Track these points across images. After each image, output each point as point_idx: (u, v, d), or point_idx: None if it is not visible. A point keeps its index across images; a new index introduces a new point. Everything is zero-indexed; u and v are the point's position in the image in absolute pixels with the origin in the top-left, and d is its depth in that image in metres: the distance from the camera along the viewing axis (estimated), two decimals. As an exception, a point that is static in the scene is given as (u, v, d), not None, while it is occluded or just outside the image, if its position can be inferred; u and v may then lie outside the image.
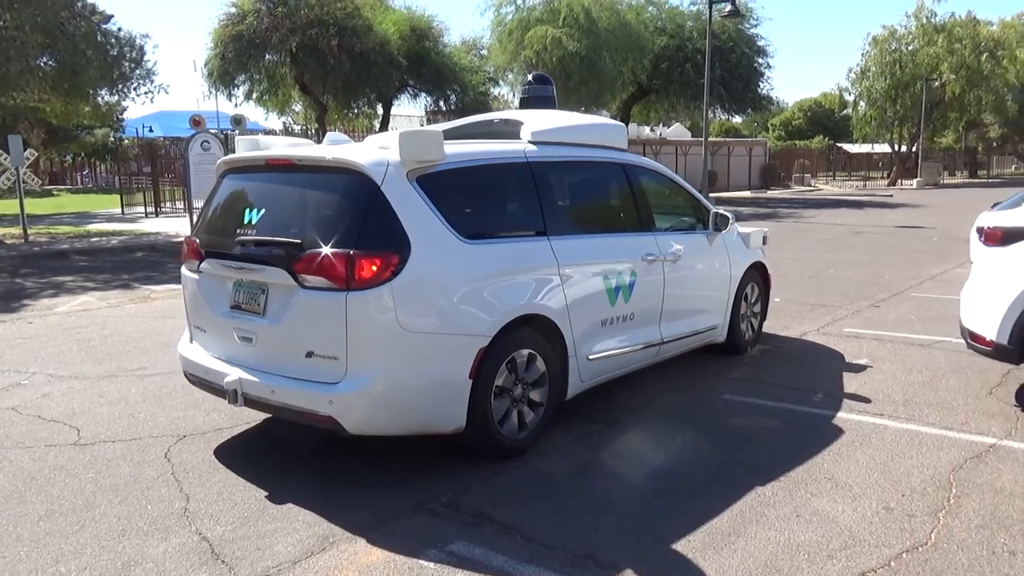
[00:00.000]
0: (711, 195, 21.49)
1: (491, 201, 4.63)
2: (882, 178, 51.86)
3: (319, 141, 5.65)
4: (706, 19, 23.17)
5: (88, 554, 3.30)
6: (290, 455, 4.45)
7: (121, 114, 38.37)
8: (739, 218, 6.60)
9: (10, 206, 21.73)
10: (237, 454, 4.43)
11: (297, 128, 35.06)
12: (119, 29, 21.60)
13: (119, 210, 23.96)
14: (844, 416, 4.92)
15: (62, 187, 48.38)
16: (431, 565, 3.18)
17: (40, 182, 21.11)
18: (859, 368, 6.03)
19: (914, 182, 42.55)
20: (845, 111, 52.81)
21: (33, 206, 22.48)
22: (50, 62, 19.56)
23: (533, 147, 4.82)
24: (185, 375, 4.66)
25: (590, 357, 4.77)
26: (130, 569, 3.17)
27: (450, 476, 4.03)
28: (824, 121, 66.42)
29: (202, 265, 4.44)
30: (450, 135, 4.54)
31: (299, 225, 4.06)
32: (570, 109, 9.76)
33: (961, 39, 40.59)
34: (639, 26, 28.01)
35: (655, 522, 3.53)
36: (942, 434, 4.59)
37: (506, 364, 4.17)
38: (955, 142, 55.22)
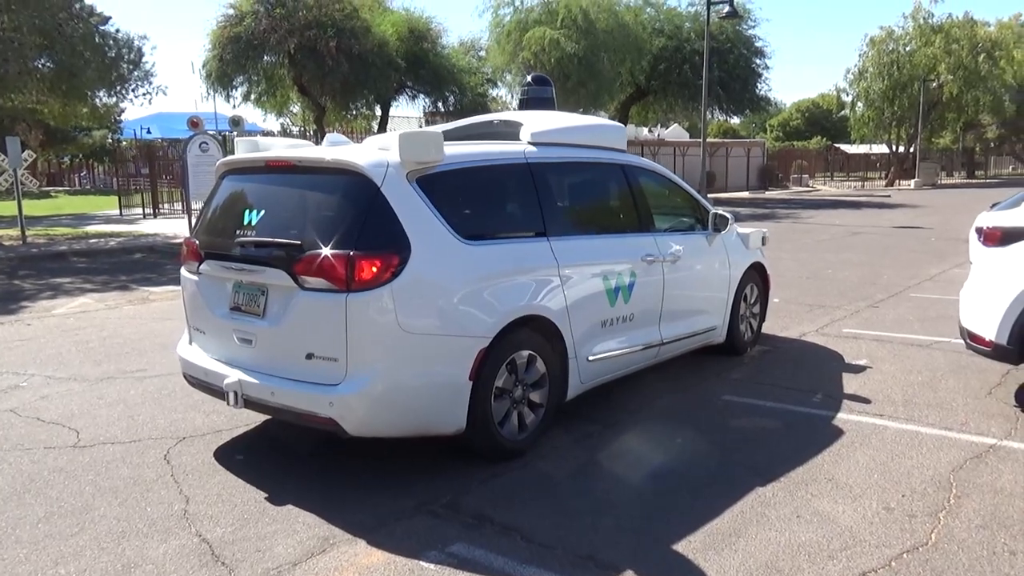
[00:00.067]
0: (709, 196, 21.46)
1: (491, 202, 4.63)
2: (880, 179, 51.94)
3: (317, 142, 5.65)
4: (704, 20, 23.19)
5: (87, 556, 3.29)
6: (290, 456, 4.44)
7: (119, 116, 38.36)
8: (737, 219, 6.61)
9: (8, 208, 21.73)
10: (237, 456, 4.42)
11: (295, 129, 35.09)
12: (117, 31, 21.66)
13: (117, 211, 23.93)
14: (844, 417, 4.93)
15: (60, 189, 48.33)
16: (431, 566, 3.18)
17: (38, 184, 21.05)
18: (858, 369, 6.04)
19: (912, 183, 42.62)
20: (843, 112, 52.84)
21: (31, 207, 22.45)
22: (48, 63, 19.56)
23: (533, 148, 4.82)
24: (184, 377, 4.65)
25: (590, 358, 4.77)
26: (130, 571, 3.16)
27: (450, 477, 4.02)
28: (822, 122, 66.48)
29: (201, 266, 4.43)
30: (450, 136, 4.54)
31: (299, 226, 4.05)
32: (568, 110, 9.77)
33: (958, 40, 40.64)
34: (637, 27, 28.04)
35: (655, 523, 3.53)
36: (942, 434, 4.59)
37: (506, 365, 4.17)
38: (953, 143, 55.28)
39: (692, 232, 5.98)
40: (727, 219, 6.08)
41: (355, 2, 24.39)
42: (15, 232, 16.81)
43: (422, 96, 28.59)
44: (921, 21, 42.42)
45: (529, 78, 7.37)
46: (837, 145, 61.11)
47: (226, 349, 4.27)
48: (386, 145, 4.12)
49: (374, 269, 3.70)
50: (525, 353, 4.28)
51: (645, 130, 41.24)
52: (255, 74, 25.29)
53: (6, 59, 16.74)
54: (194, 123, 16.83)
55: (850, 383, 5.65)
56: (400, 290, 3.73)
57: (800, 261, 12.44)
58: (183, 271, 4.67)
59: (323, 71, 23.28)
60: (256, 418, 4.83)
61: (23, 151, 16.52)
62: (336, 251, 3.72)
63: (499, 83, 30.01)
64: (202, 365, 4.35)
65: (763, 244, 6.79)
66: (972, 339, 5.16)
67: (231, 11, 23.81)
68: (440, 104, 28.63)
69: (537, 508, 3.69)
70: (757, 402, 5.25)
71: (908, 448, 4.38)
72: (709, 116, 29.78)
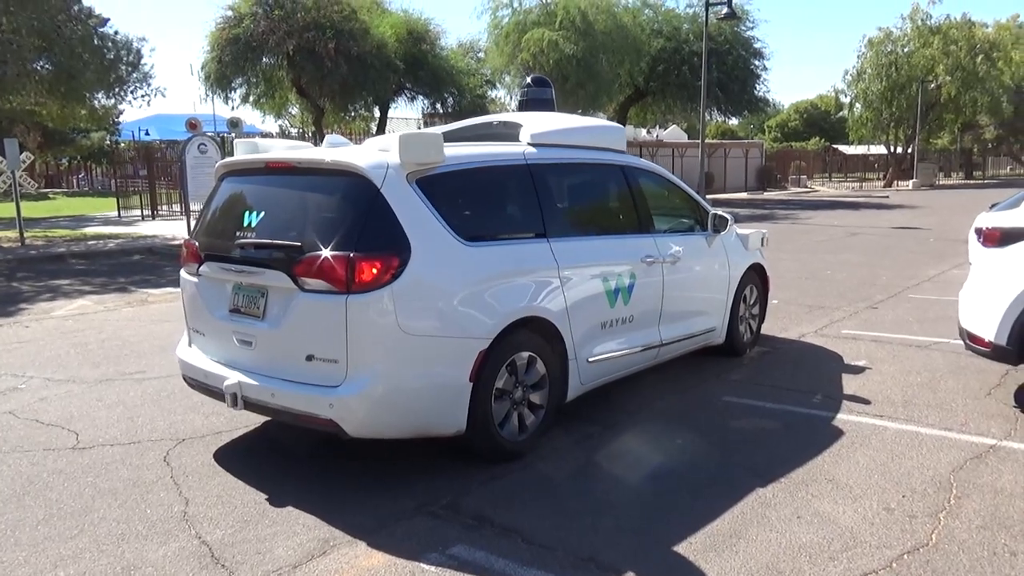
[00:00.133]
0: (707, 197, 21.46)
1: (491, 203, 4.63)
2: (878, 179, 51.94)
3: (316, 144, 5.64)
4: (702, 21, 23.23)
5: (87, 558, 3.29)
6: (289, 458, 4.44)
7: (117, 117, 38.30)
8: (736, 219, 6.61)
9: (6, 209, 21.70)
10: (236, 457, 4.42)
11: (294, 131, 35.12)
12: (116, 33, 21.61)
13: (116, 213, 23.89)
14: (843, 417, 4.93)
15: (58, 190, 48.25)
16: (432, 568, 3.17)
17: (36, 185, 21.00)
18: (858, 370, 6.04)
19: (910, 183, 42.64)
20: (841, 113, 52.84)
21: (29, 209, 22.39)
22: (47, 65, 19.54)
23: (532, 149, 4.82)
24: (184, 379, 4.64)
25: (590, 359, 4.77)
26: (129, 573, 3.16)
27: (450, 478, 4.02)
28: (820, 123, 66.56)
29: (201, 268, 4.43)
30: (449, 137, 4.53)
31: (299, 228, 4.05)
32: (567, 111, 9.77)
33: (956, 41, 40.68)
34: (635, 29, 28.07)
35: (655, 524, 3.53)
36: (942, 435, 4.59)
37: (506, 366, 4.16)
38: (951, 143, 55.33)
39: (691, 233, 5.98)
40: (726, 220, 6.08)
41: (354, 4, 24.40)
42: (13, 234, 16.80)
43: (421, 97, 28.63)
44: (919, 22, 42.46)
45: (528, 79, 7.37)
46: (835, 146, 61.15)
47: (226, 351, 4.27)
48: (386, 146, 4.11)
49: (374, 271, 3.70)
50: (525, 354, 4.28)
51: (644, 131, 41.26)
52: (254, 76, 25.30)
53: (5, 61, 16.73)
54: (193, 125, 16.83)
55: (849, 384, 5.65)
56: (400, 291, 3.73)
57: (799, 262, 12.45)
58: (182, 273, 4.67)
59: (322, 73, 23.29)
60: (256, 420, 4.82)
61: (21, 153, 16.50)
62: (336, 253, 3.72)
63: (498, 84, 30.06)
64: (202, 367, 4.35)
65: (763, 245, 6.79)
66: (971, 340, 5.16)
67: (230, 13, 23.82)
68: (439, 105, 28.65)
69: (537, 509, 3.68)
70: (757, 403, 5.25)
71: (908, 449, 4.39)
72: (707, 117, 29.77)
